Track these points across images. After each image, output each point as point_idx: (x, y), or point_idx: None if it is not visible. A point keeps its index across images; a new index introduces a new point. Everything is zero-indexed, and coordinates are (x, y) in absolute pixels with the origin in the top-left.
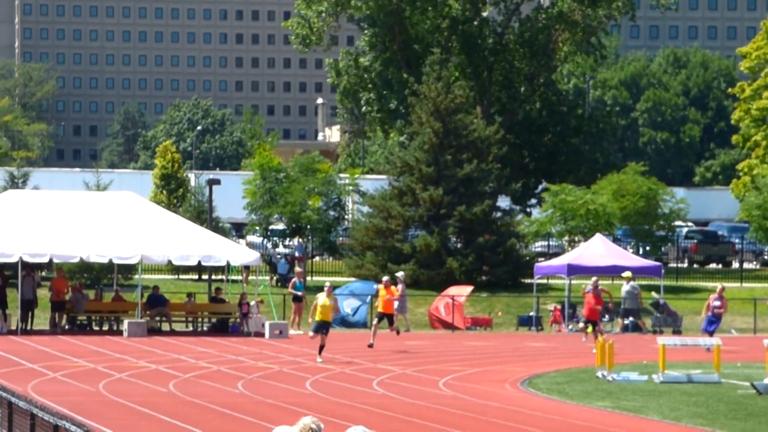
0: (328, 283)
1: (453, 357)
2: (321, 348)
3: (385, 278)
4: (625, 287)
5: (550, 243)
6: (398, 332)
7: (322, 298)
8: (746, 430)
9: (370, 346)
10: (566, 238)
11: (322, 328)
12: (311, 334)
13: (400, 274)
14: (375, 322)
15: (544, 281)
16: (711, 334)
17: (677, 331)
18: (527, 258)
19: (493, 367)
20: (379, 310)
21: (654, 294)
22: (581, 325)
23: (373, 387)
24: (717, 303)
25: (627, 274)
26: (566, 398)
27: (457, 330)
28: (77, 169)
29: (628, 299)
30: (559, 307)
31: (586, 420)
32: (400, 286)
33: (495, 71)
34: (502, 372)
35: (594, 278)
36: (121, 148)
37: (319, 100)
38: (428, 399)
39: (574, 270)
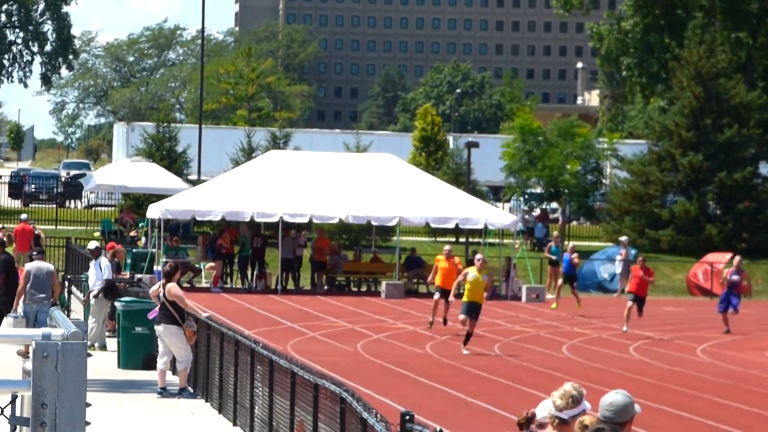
0: (479, 255)
1: (711, 324)
2: (468, 337)
3: (447, 247)
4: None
5: None
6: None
7: (472, 274)
8: None
9: (431, 324)
10: None
11: (473, 311)
12: (462, 316)
13: (624, 238)
14: (436, 296)
15: None
16: (735, 310)
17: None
18: None
19: (752, 335)
20: (438, 284)
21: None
22: (629, 303)
23: (629, 352)
24: (736, 277)
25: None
26: None
27: (715, 297)
28: (337, 131)
29: None
30: None
31: None
32: (623, 251)
33: (759, 36)
34: (762, 340)
35: (640, 256)
36: (381, 110)
37: (579, 64)
38: (685, 366)
39: None
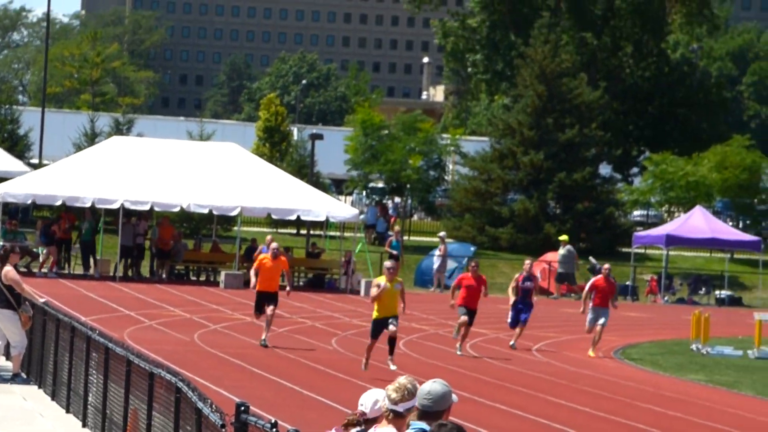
0: (388, 263)
1: (547, 323)
2: (368, 352)
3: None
4: (561, 251)
5: (649, 213)
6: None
7: (384, 283)
8: None
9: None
10: (665, 208)
11: (382, 325)
12: (371, 340)
13: (442, 233)
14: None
15: (642, 251)
16: (524, 323)
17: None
18: (625, 227)
19: (587, 335)
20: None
21: (591, 259)
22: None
23: (466, 350)
24: (528, 284)
25: (563, 237)
26: (660, 370)
27: (552, 296)
28: (181, 118)
29: (564, 263)
30: (655, 277)
31: (678, 392)
32: (442, 246)
33: (603, 37)
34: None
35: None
36: (226, 99)
37: (425, 59)
38: (521, 364)
39: (672, 241)
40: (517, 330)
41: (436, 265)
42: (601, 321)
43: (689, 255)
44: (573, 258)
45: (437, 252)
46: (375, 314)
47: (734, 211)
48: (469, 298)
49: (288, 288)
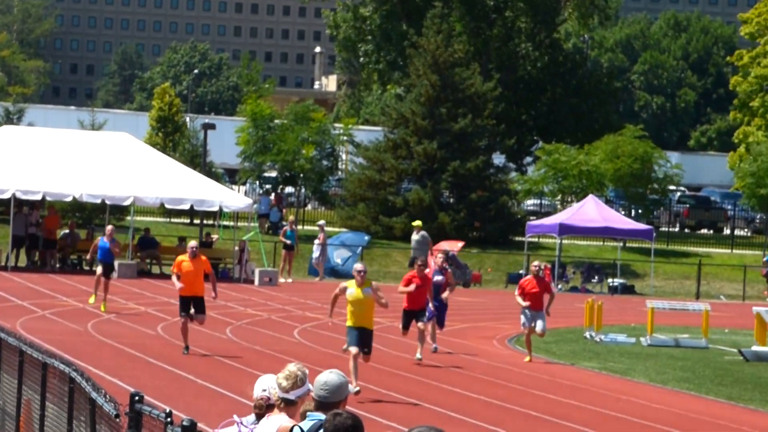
0: (359, 265)
1: None
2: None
3: (535, 263)
4: (415, 236)
5: (543, 202)
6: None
7: (352, 289)
8: (732, 396)
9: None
10: (558, 197)
11: (362, 339)
12: (350, 348)
13: (321, 222)
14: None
15: (535, 240)
16: (440, 325)
17: (466, 284)
18: (519, 216)
19: (481, 324)
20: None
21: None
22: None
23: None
24: (439, 278)
25: (417, 223)
26: (553, 357)
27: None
28: (72, 108)
29: (417, 249)
30: (549, 266)
31: (572, 380)
32: (321, 235)
33: (496, 27)
34: (491, 329)
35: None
36: (117, 89)
37: (317, 49)
38: (412, 352)
39: (565, 230)
40: (430, 328)
41: (315, 254)
42: (538, 327)
43: (582, 244)
44: (427, 243)
45: (317, 241)
46: (348, 322)
47: (626, 201)
48: (412, 301)
49: (213, 294)
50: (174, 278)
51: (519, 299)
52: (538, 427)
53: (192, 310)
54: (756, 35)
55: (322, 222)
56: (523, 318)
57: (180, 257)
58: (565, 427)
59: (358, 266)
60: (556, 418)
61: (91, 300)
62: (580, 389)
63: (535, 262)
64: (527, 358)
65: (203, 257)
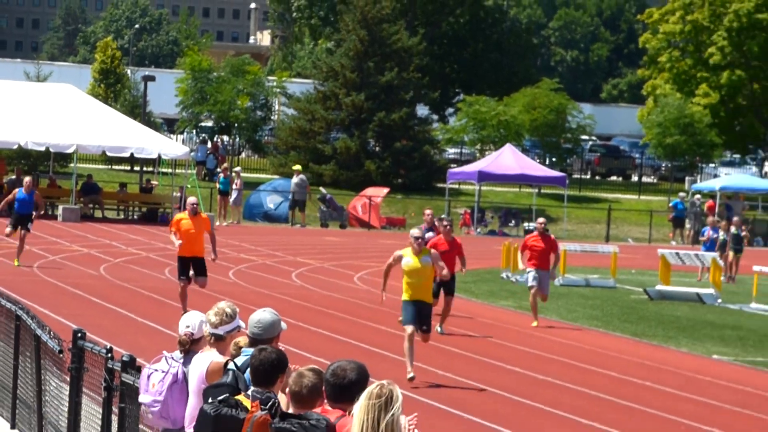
0: (416, 230)
1: (369, 254)
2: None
3: (541, 220)
4: (295, 179)
5: (463, 151)
6: None
7: (409, 258)
8: (637, 333)
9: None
10: (478, 146)
11: (420, 315)
12: (405, 326)
13: (237, 168)
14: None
15: (456, 186)
16: None
17: (342, 225)
18: (441, 164)
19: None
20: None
21: (321, 189)
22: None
23: (291, 278)
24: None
25: (297, 167)
26: (473, 297)
27: (372, 228)
28: (18, 60)
29: (297, 192)
30: (468, 211)
31: (490, 318)
32: (238, 181)
33: None
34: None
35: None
36: (62, 42)
37: (252, 5)
38: (343, 292)
39: (484, 177)
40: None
41: (232, 198)
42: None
43: (500, 190)
44: (305, 186)
45: (234, 186)
46: (404, 295)
47: (542, 149)
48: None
49: (213, 255)
50: (172, 237)
51: (520, 258)
52: (455, 360)
53: (192, 273)
54: None
55: (238, 168)
56: (530, 278)
57: (179, 215)
58: (481, 361)
59: (415, 231)
60: (473, 354)
61: (16, 263)
62: (496, 327)
63: (540, 219)
64: (534, 323)
65: (204, 215)
